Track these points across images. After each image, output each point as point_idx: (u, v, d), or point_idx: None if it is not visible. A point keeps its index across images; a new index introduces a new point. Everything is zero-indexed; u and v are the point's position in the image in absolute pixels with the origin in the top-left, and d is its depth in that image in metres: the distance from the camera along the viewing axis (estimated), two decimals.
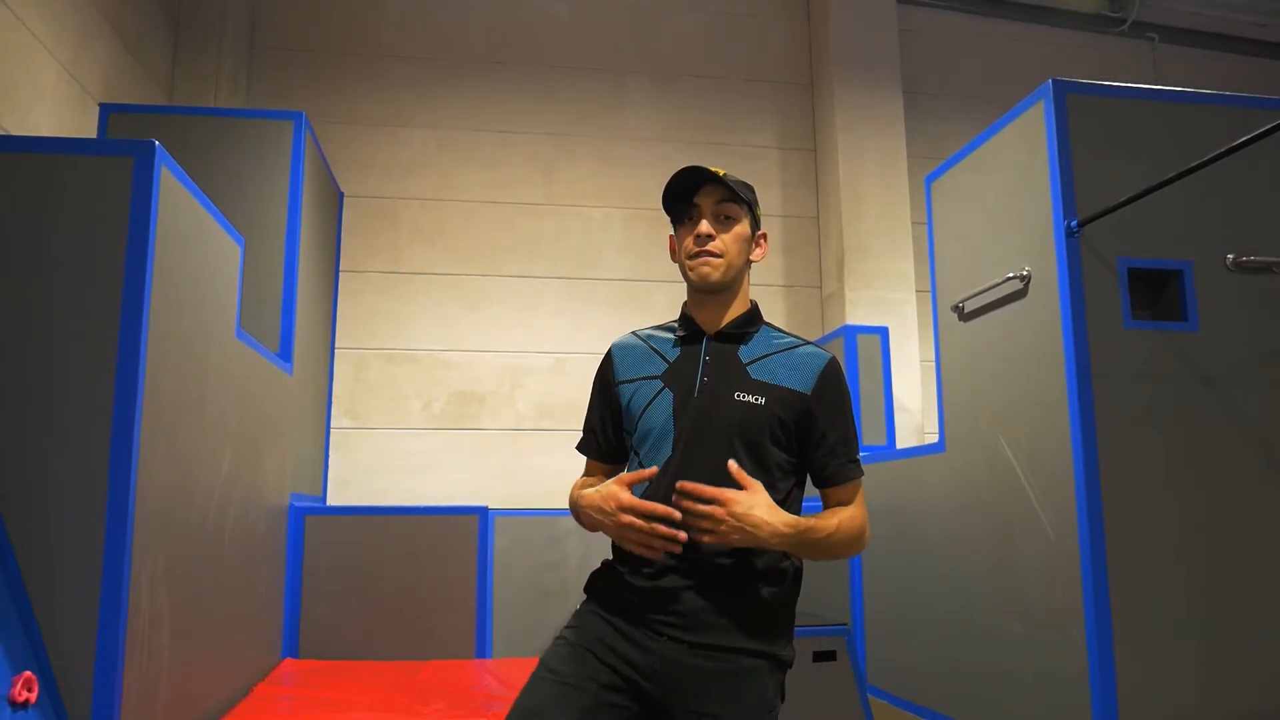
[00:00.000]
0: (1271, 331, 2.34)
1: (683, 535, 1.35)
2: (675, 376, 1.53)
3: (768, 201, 4.87)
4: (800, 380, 1.51)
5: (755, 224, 1.60)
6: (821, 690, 2.84)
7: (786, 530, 1.39)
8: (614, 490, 1.40)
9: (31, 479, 1.76)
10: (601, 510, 1.41)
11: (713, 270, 1.52)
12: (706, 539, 1.37)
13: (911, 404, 4.43)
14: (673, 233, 1.62)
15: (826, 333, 4.52)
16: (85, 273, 1.84)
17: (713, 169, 1.53)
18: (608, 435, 1.61)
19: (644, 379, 1.55)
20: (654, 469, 1.42)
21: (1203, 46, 5.56)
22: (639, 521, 1.36)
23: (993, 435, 2.60)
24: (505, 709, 2.55)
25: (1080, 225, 2.28)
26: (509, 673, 3.00)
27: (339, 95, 4.54)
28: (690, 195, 1.55)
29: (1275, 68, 5.65)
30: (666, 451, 1.48)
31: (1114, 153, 2.35)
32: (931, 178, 3.02)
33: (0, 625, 1.64)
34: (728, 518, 1.35)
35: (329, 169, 4.08)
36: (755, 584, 1.46)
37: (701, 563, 1.44)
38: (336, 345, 4.28)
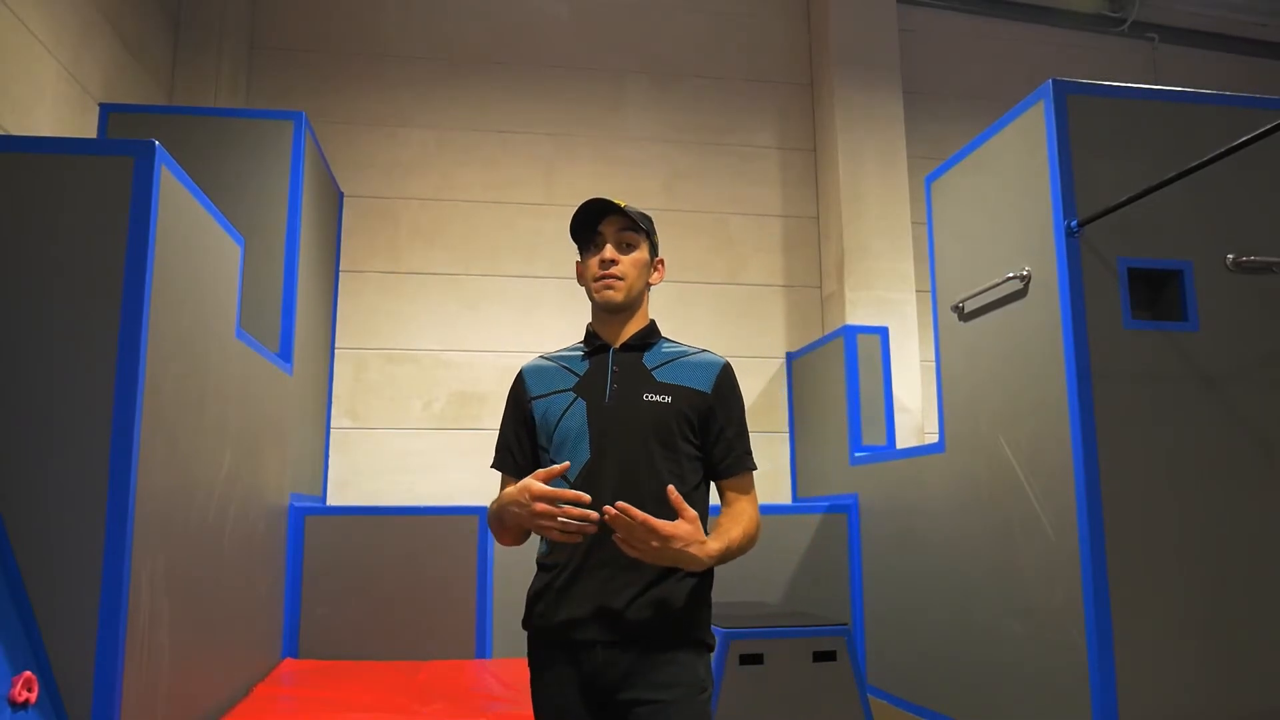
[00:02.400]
0: (1271, 331, 2.34)
1: (594, 515, 1.41)
2: (586, 386, 1.66)
3: (768, 201, 4.88)
4: (701, 380, 1.66)
5: (653, 250, 1.75)
6: (821, 690, 2.84)
7: (714, 558, 1.49)
8: (528, 482, 1.47)
9: (31, 479, 1.76)
10: (518, 503, 1.48)
11: (616, 293, 1.66)
12: (635, 556, 1.43)
13: (911, 404, 4.42)
14: (578, 259, 1.75)
15: (826, 333, 4.52)
16: (85, 273, 1.84)
17: (615, 201, 1.67)
18: (524, 450, 1.70)
19: (555, 393, 1.67)
20: (566, 464, 1.51)
21: (1203, 46, 5.55)
22: (551, 508, 1.42)
23: (993, 435, 2.60)
24: (505, 709, 2.56)
25: (1080, 225, 2.28)
26: (509, 673, 3.00)
27: (339, 95, 4.54)
28: (595, 224, 1.68)
29: (1275, 68, 5.65)
30: (584, 454, 1.59)
31: (1114, 153, 2.35)
32: (931, 178, 3.02)
33: (0, 625, 1.64)
34: (666, 548, 1.41)
35: (329, 169, 4.08)
36: (669, 576, 1.55)
37: (616, 565, 1.52)
38: (336, 345, 4.28)
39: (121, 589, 1.76)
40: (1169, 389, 2.27)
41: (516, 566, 3.42)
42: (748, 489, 1.69)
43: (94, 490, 1.77)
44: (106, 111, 3.21)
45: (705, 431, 1.65)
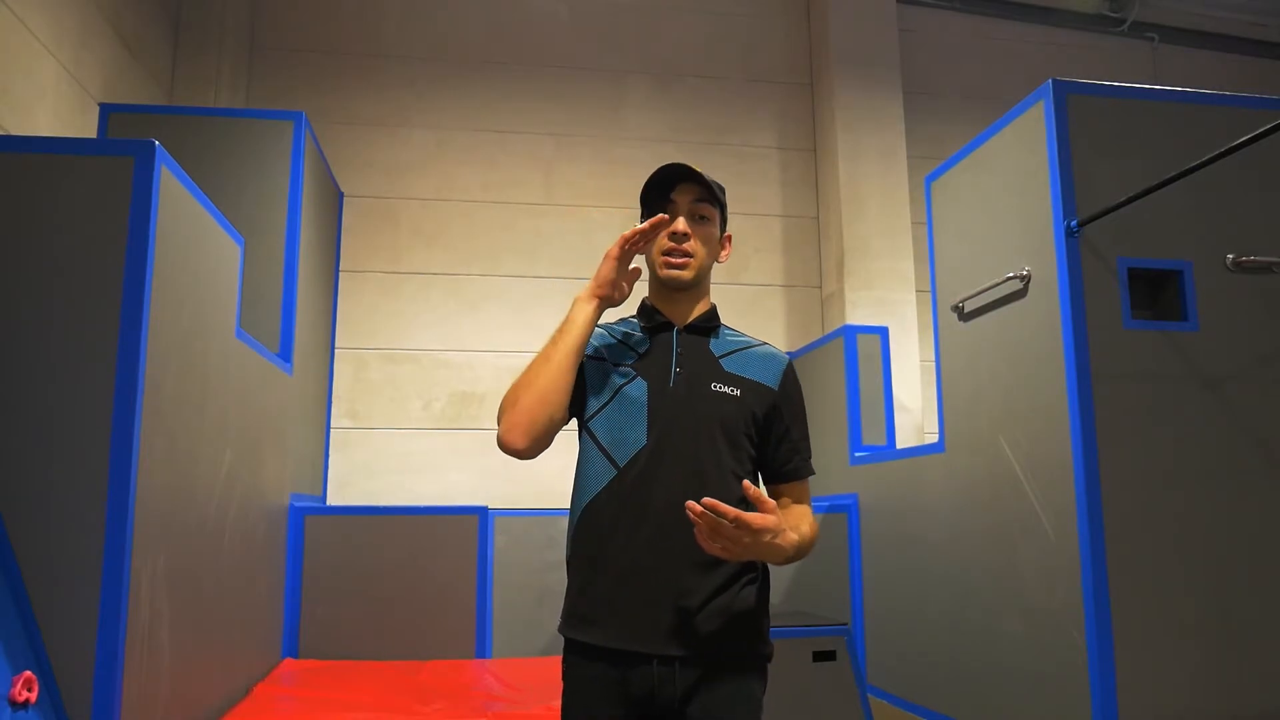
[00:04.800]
0: (1271, 331, 2.34)
1: (663, 216, 1.49)
2: (648, 365, 1.55)
3: (768, 201, 4.88)
4: (768, 375, 1.57)
5: (723, 225, 1.64)
6: (821, 690, 2.84)
7: (794, 547, 1.37)
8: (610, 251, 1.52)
9: (31, 479, 1.76)
10: (592, 286, 1.55)
11: (685, 272, 1.56)
12: (718, 553, 1.30)
13: (911, 404, 4.42)
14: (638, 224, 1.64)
15: (826, 332, 4.52)
16: (85, 273, 1.84)
17: (694, 168, 1.56)
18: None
19: (614, 364, 1.57)
20: (664, 216, 1.51)
21: (1203, 46, 5.56)
22: (633, 237, 1.48)
23: (993, 435, 2.60)
24: (505, 709, 2.56)
25: (1080, 225, 2.28)
26: (509, 673, 3.00)
27: (339, 95, 4.54)
28: (668, 191, 1.57)
29: (1275, 68, 5.65)
30: (640, 438, 1.48)
31: (1114, 153, 2.35)
32: (931, 178, 3.02)
33: (0, 625, 1.64)
34: (757, 543, 1.29)
35: (329, 169, 4.07)
36: (734, 583, 1.45)
37: (673, 568, 1.42)
38: (336, 345, 4.28)
39: (121, 589, 1.76)
40: (1169, 389, 2.27)
41: (517, 566, 3.42)
42: (807, 496, 1.59)
43: (94, 490, 1.77)
44: (106, 111, 3.21)
45: (767, 430, 1.55)
